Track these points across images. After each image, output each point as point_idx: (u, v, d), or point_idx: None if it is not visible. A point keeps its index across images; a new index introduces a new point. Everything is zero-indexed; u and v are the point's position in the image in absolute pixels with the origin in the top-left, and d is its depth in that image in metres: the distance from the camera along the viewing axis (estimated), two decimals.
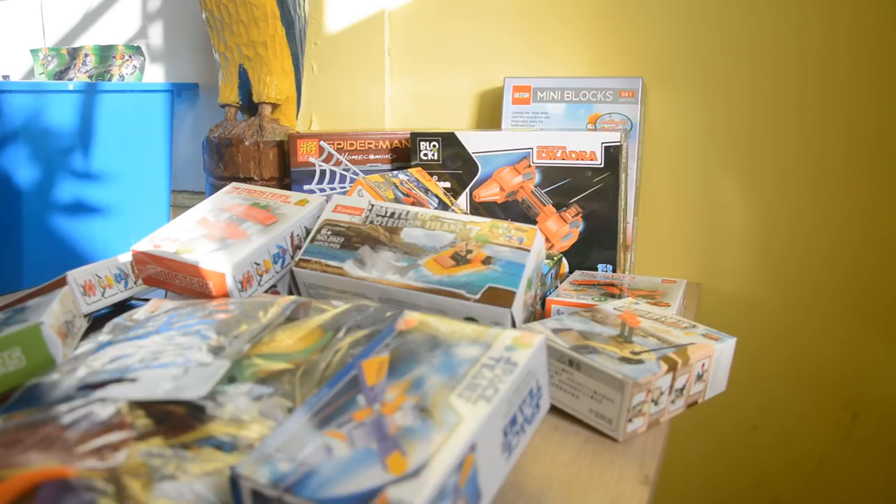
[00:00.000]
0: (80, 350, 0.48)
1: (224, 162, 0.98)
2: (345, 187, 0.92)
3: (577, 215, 0.79)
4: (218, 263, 0.57)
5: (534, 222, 0.80)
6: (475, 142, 0.80)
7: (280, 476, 0.30)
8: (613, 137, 0.76)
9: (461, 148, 0.81)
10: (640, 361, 0.48)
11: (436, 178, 0.82)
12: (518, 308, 0.54)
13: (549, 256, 0.71)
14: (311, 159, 0.90)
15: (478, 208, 0.82)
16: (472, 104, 1.01)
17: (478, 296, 0.54)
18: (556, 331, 0.53)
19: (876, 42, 0.81)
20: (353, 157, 0.92)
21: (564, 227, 0.79)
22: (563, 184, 0.78)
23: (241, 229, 0.62)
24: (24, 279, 0.93)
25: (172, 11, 1.19)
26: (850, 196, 0.84)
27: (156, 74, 1.23)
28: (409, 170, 0.79)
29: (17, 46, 1.36)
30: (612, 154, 0.76)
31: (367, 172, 0.92)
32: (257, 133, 0.97)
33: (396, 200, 0.70)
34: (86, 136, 0.98)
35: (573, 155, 0.78)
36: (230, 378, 0.41)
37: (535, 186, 0.79)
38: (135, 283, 0.72)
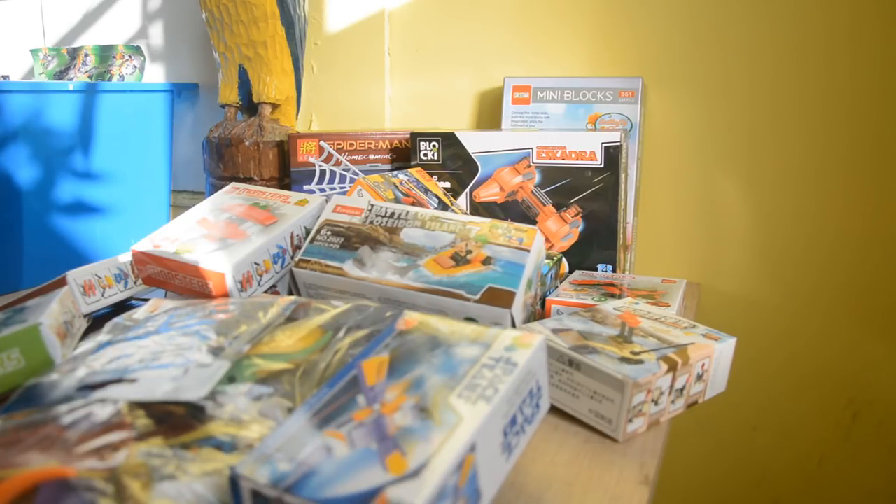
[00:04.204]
0: (79, 350, 0.48)
1: (224, 162, 0.98)
2: (345, 187, 0.92)
3: (577, 215, 0.79)
4: (218, 263, 0.57)
5: (534, 222, 0.80)
6: (475, 142, 0.80)
7: (280, 476, 0.30)
8: (613, 137, 0.76)
9: (461, 148, 0.81)
10: (640, 361, 0.48)
11: (436, 178, 0.82)
12: (518, 308, 0.54)
13: (549, 256, 0.71)
14: (311, 159, 0.90)
15: (478, 208, 0.82)
16: (472, 104, 1.01)
17: (478, 296, 0.54)
18: (556, 331, 0.53)
19: (877, 41, 0.81)
20: (353, 157, 0.92)
21: (564, 227, 0.79)
22: (563, 184, 0.78)
23: (241, 229, 0.62)
24: (24, 279, 0.93)
25: (172, 11, 1.19)
26: (851, 196, 0.84)
27: (156, 74, 1.23)
28: (409, 170, 0.79)
29: (17, 46, 1.36)
30: (612, 154, 0.76)
31: (367, 172, 0.92)
32: (257, 133, 0.97)
33: (396, 200, 0.70)
34: (86, 136, 0.98)
35: (573, 155, 0.78)
36: (230, 378, 0.41)
37: (535, 186, 0.79)
38: (135, 283, 0.72)
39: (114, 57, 1.16)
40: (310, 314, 0.47)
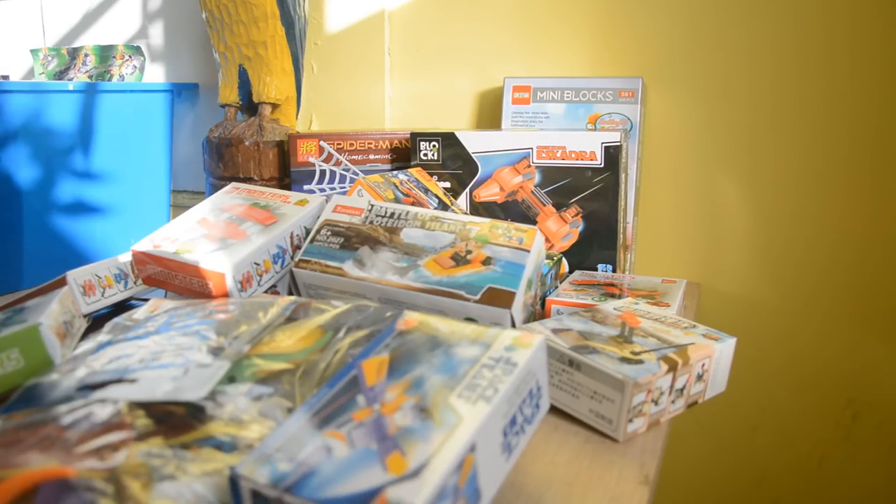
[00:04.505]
0: (79, 350, 0.48)
1: (224, 162, 0.98)
2: (345, 187, 0.92)
3: (577, 215, 0.79)
4: (218, 263, 0.57)
5: (534, 222, 0.80)
6: (475, 142, 0.80)
7: (280, 476, 0.30)
8: (613, 137, 0.76)
9: (461, 148, 0.81)
10: (640, 361, 0.48)
11: (436, 178, 0.82)
12: (518, 308, 0.54)
13: (549, 256, 0.71)
14: (311, 159, 0.90)
15: (478, 208, 0.82)
16: (472, 104, 1.01)
17: (477, 296, 0.54)
18: (556, 331, 0.53)
19: (877, 41, 0.81)
20: (353, 157, 0.92)
21: (564, 227, 0.79)
22: (563, 184, 0.78)
23: (241, 229, 0.62)
24: (24, 279, 0.93)
25: (172, 11, 1.19)
26: (851, 196, 0.84)
27: (156, 74, 1.23)
28: (409, 170, 0.79)
29: (17, 46, 1.36)
30: (612, 154, 0.76)
31: (367, 172, 0.92)
32: (257, 133, 0.97)
33: (396, 200, 0.70)
34: (86, 136, 0.98)
35: (573, 155, 0.78)
36: (230, 378, 0.41)
37: (535, 186, 0.79)
38: (135, 283, 0.72)
39: (114, 57, 1.16)
40: (310, 314, 0.47)
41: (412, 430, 0.33)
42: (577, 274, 0.77)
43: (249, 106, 1.03)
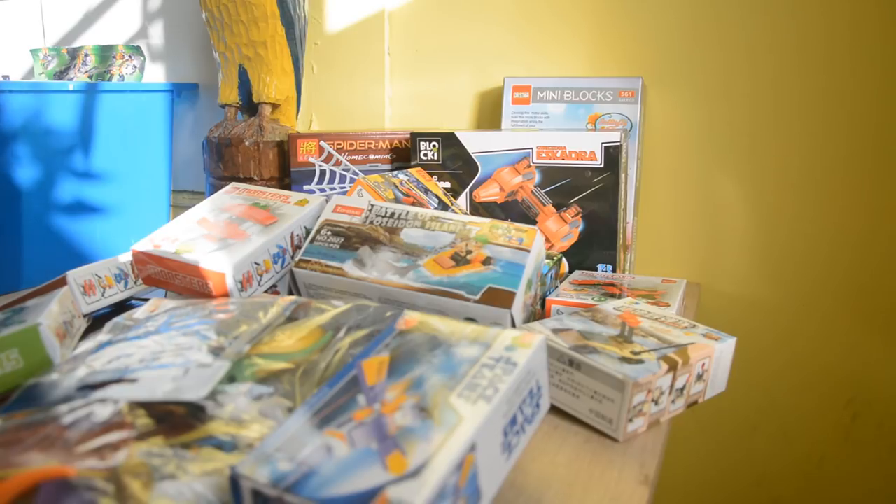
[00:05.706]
0: (79, 350, 0.48)
1: (224, 162, 0.98)
2: (345, 187, 0.92)
3: (577, 215, 0.79)
4: (218, 263, 0.57)
5: (534, 222, 0.80)
6: (475, 142, 0.80)
7: (280, 476, 0.30)
8: (613, 137, 0.76)
9: (461, 148, 0.81)
10: (640, 361, 0.48)
11: (436, 178, 0.82)
12: (518, 308, 0.54)
13: (549, 256, 0.71)
14: (311, 159, 0.90)
15: (478, 208, 0.82)
16: (472, 104, 1.01)
17: (477, 296, 0.54)
18: (556, 331, 0.53)
19: (877, 40, 0.81)
20: (353, 157, 0.92)
21: (564, 227, 0.79)
22: (563, 184, 0.78)
23: (241, 229, 0.62)
24: (23, 279, 0.93)
25: (172, 11, 1.19)
26: (851, 195, 0.84)
27: (156, 74, 1.23)
28: (409, 170, 0.79)
29: (17, 46, 1.36)
30: (612, 154, 0.76)
31: (367, 172, 0.92)
32: (257, 133, 0.97)
33: (396, 200, 0.70)
34: (86, 136, 0.98)
35: (573, 155, 0.78)
36: (230, 378, 0.41)
37: (535, 186, 0.79)
38: (135, 283, 0.72)
39: (114, 57, 1.16)
40: (310, 314, 0.47)
41: (412, 429, 0.33)
42: (577, 274, 0.77)
43: (249, 106, 1.03)
